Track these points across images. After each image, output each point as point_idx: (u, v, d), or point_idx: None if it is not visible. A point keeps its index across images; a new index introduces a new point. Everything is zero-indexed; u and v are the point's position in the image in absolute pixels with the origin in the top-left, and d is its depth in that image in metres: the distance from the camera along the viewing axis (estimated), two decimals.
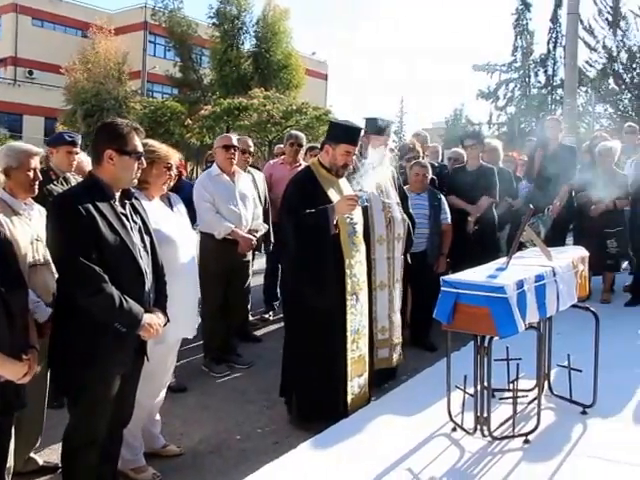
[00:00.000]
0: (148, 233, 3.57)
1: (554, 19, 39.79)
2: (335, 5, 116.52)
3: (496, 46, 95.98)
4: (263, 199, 7.21)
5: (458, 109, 47.08)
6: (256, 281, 7.79)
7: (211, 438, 4.74)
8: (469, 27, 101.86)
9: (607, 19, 36.07)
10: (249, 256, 6.30)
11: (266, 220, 7.01)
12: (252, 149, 7.37)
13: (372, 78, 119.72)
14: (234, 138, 6.36)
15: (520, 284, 4.00)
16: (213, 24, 37.02)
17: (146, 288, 3.45)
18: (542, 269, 4.33)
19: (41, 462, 4.20)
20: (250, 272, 6.52)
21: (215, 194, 6.02)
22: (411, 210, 5.99)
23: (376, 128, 5.56)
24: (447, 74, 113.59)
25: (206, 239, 6.01)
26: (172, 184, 4.36)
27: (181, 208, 4.50)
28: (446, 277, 4.26)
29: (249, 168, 7.28)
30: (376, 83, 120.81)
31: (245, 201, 6.21)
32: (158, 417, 4.45)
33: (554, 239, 7.48)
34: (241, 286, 6.35)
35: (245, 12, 37.36)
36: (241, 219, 6.10)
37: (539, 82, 41.59)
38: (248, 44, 37.83)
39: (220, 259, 5.89)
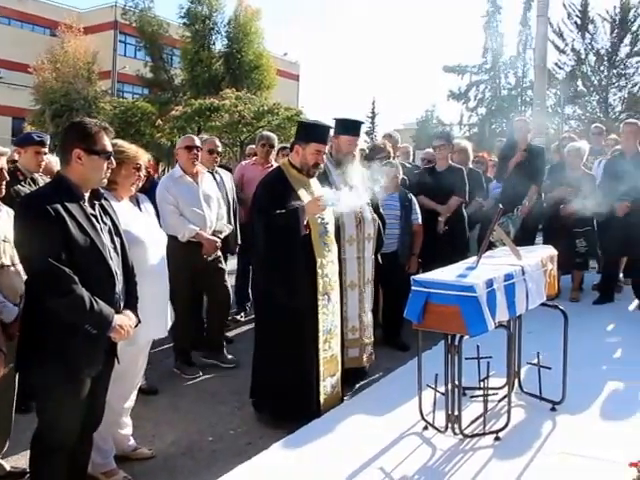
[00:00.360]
0: (118, 234, 3.54)
1: (524, 22, 40.31)
2: (307, 6, 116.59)
3: (467, 47, 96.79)
4: (231, 200, 7.17)
5: (429, 110, 47.40)
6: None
7: (183, 440, 4.71)
8: (441, 28, 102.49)
9: (576, 22, 36.64)
10: (219, 252, 6.24)
11: (234, 220, 7.00)
12: (220, 149, 7.35)
13: (344, 79, 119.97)
14: (196, 139, 6.32)
15: (490, 283, 4.03)
16: (184, 24, 36.87)
17: (117, 289, 3.42)
18: (511, 268, 4.37)
19: (8, 467, 4.14)
20: (225, 267, 6.47)
21: (178, 196, 5.96)
22: (382, 210, 6.01)
23: (346, 128, 5.57)
24: (419, 75, 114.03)
25: (171, 241, 5.94)
26: (141, 185, 4.32)
27: (149, 208, 4.48)
28: (416, 277, 4.28)
29: (217, 168, 7.25)
30: (348, 84, 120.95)
31: (209, 202, 6.16)
32: (129, 420, 4.41)
33: (523, 239, 7.54)
34: (220, 282, 6.29)
35: (216, 12, 37.29)
36: (205, 221, 6.06)
37: (509, 84, 42.10)
38: (219, 44, 37.81)
39: (186, 261, 5.81)
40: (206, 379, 6.01)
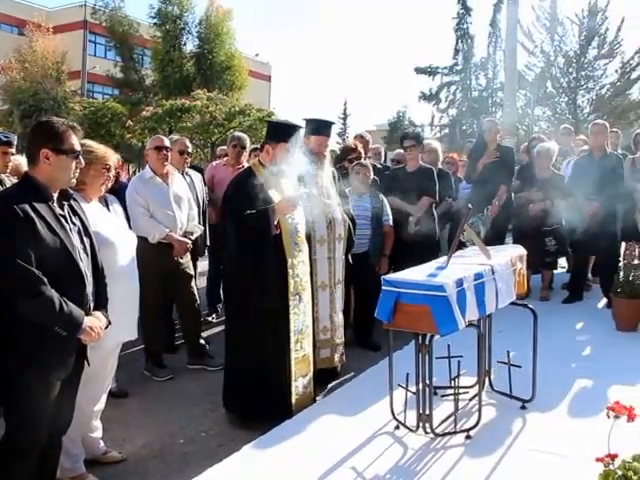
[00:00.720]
0: (88, 235, 3.51)
1: (494, 24, 40.63)
2: (280, 7, 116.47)
3: (438, 49, 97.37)
4: (201, 201, 7.16)
5: (401, 111, 47.62)
6: (199, 284, 7.73)
7: (154, 443, 4.68)
8: (412, 29, 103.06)
9: (545, 25, 36.98)
10: (187, 257, 6.22)
11: (204, 222, 6.98)
12: (190, 150, 7.33)
13: (317, 80, 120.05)
14: (166, 139, 6.29)
15: (460, 282, 4.04)
16: (155, 24, 36.68)
17: (86, 291, 3.38)
18: (481, 268, 4.39)
19: None
20: (193, 273, 6.45)
21: (148, 198, 5.92)
22: (352, 211, 6.02)
23: (316, 129, 5.58)
24: (391, 76, 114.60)
25: (141, 243, 5.91)
26: (110, 185, 4.30)
27: (118, 209, 4.45)
28: (387, 276, 4.29)
29: (187, 169, 7.25)
30: (321, 85, 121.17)
31: (180, 203, 6.13)
32: (99, 423, 4.37)
33: (493, 238, 7.62)
34: (187, 288, 6.25)
35: (187, 12, 37.15)
36: (176, 222, 6.02)
37: (480, 85, 42.43)
38: (190, 45, 37.69)
39: (156, 263, 5.76)
40: (178, 381, 5.97)
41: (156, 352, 6.16)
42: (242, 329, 4.87)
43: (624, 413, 2.36)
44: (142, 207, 5.89)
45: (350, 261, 6.01)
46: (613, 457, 2.27)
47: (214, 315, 8.04)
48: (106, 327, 3.53)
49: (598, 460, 2.31)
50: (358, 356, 6.35)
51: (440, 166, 8.53)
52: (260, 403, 4.79)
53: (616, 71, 36.96)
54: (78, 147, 3.40)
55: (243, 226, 4.69)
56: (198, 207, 6.91)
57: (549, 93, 36.99)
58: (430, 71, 41.84)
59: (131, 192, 5.99)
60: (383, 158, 9.82)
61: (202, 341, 6.49)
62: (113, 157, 4.22)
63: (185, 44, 37.42)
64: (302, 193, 4.87)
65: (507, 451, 4.21)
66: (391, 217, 7.03)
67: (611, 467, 2.25)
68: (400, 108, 48.12)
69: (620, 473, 2.19)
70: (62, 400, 3.38)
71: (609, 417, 2.42)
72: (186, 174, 7.11)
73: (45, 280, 3.11)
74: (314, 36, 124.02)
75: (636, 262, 7.61)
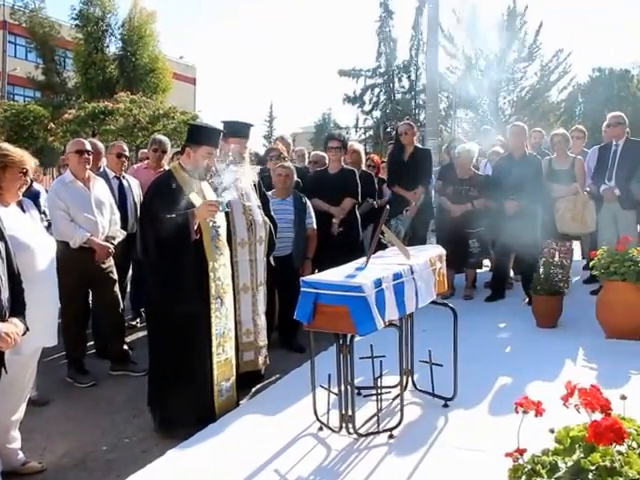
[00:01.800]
0: (2, 239, 3.44)
1: (416, 27, 41.17)
2: (205, 9, 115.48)
3: (361, 51, 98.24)
4: (138, 205, 7.06)
5: (326, 113, 47.93)
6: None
7: (76, 451, 4.57)
8: (336, 32, 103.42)
9: (466, 28, 37.74)
10: (110, 262, 6.12)
11: (138, 226, 6.89)
12: (127, 153, 7.26)
13: (243, 82, 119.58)
14: (87, 143, 6.20)
15: (378, 282, 4.07)
16: (76, 25, 35.87)
17: (2, 296, 3.31)
18: (400, 267, 4.42)
19: None
20: (116, 278, 6.32)
21: (69, 202, 5.82)
22: (273, 213, 6.01)
23: (235, 131, 5.56)
24: (317, 78, 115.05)
25: (62, 247, 5.79)
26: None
27: (34, 214, 4.37)
28: (305, 278, 4.31)
29: (124, 174, 7.23)
30: (247, 87, 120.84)
31: (101, 208, 6.03)
32: (17, 433, 4.25)
33: (414, 238, 7.74)
34: (109, 293, 6.13)
35: (110, 14, 36.51)
36: (97, 226, 5.93)
37: (403, 87, 42.96)
38: (114, 47, 37.04)
39: (77, 268, 5.68)
40: (101, 387, 5.86)
41: (78, 358, 6.03)
42: (163, 333, 4.80)
43: (532, 408, 2.41)
44: (63, 211, 5.79)
45: (273, 263, 6.00)
46: (521, 452, 2.31)
47: (138, 320, 7.89)
48: (24, 333, 3.45)
49: (507, 455, 2.34)
50: (283, 358, 6.35)
51: (363, 167, 8.58)
52: (183, 407, 4.73)
53: (535, 74, 38.13)
54: None
55: (162, 230, 4.62)
56: (135, 211, 6.91)
57: (471, 95, 37.79)
58: (353, 74, 42.17)
59: (52, 196, 5.91)
60: (307, 160, 9.83)
61: (125, 347, 6.38)
62: (30, 161, 4.12)
63: (108, 46, 36.81)
64: (222, 196, 4.82)
65: (429, 449, 4.25)
66: (314, 220, 7.03)
67: (520, 462, 2.30)
68: (325, 110, 48.47)
69: (529, 467, 2.23)
70: None
71: (517, 412, 2.47)
72: (123, 178, 7.14)
73: None
74: (240, 39, 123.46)
75: (555, 260, 7.84)
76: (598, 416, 2.27)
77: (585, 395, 2.31)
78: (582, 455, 2.26)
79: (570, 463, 2.25)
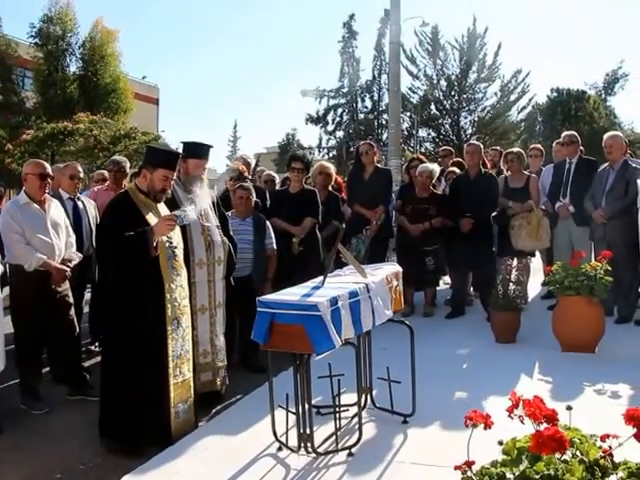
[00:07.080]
0: None
1: (378, 47, 41.73)
2: (167, 29, 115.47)
3: (324, 72, 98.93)
4: (94, 226, 7.02)
5: (290, 133, 48.09)
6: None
7: (30, 479, 4.49)
8: (300, 52, 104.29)
9: (427, 49, 38.38)
10: (66, 285, 6.06)
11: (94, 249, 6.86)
12: (82, 175, 7.24)
13: (207, 102, 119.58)
14: (48, 166, 6.13)
15: (334, 301, 4.09)
16: (35, 44, 35.45)
17: None
18: (356, 286, 4.46)
19: None
20: (72, 301, 6.26)
21: (24, 224, 5.72)
22: (232, 233, 6.03)
23: (194, 151, 5.59)
24: (280, 98, 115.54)
25: (16, 271, 5.74)
26: None
27: None
28: (261, 297, 4.31)
29: (79, 195, 7.21)
30: (211, 107, 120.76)
31: (57, 230, 5.96)
32: None
33: (375, 256, 7.80)
34: (65, 317, 6.05)
35: (71, 33, 36.04)
36: (54, 249, 5.84)
37: (366, 107, 43.42)
38: (74, 66, 36.54)
39: (32, 291, 5.61)
40: (57, 413, 5.75)
41: (32, 385, 5.90)
42: (118, 355, 4.76)
43: (481, 421, 2.46)
44: (18, 234, 5.69)
45: (232, 284, 6.00)
46: (469, 464, 2.35)
47: (97, 343, 7.80)
48: None
49: (456, 468, 2.39)
50: (244, 379, 6.32)
51: (329, 189, 8.64)
52: (139, 431, 4.69)
53: (495, 94, 38.83)
54: None
55: (120, 248, 4.61)
56: (90, 233, 6.89)
57: (433, 115, 38.34)
58: (317, 94, 42.48)
59: (6, 218, 5.79)
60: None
61: (83, 371, 6.31)
62: None
63: (68, 66, 36.32)
64: (180, 214, 4.84)
65: (388, 466, 4.27)
66: (274, 240, 7.05)
67: (469, 474, 2.34)
68: (289, 131, 48.63)
69: (476, 479, 2.27)
70: None
71: (467, 426, 2.51)
72: (78, 199, 7.12)
73: None
74: (204, 59, 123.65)
75: (513, 276, 7.97)
76: (545, 427, 2.33)
77: (529, 406, 2.36)
78: (528, 465, 2.31)
79: (517, 473, 2.31)
